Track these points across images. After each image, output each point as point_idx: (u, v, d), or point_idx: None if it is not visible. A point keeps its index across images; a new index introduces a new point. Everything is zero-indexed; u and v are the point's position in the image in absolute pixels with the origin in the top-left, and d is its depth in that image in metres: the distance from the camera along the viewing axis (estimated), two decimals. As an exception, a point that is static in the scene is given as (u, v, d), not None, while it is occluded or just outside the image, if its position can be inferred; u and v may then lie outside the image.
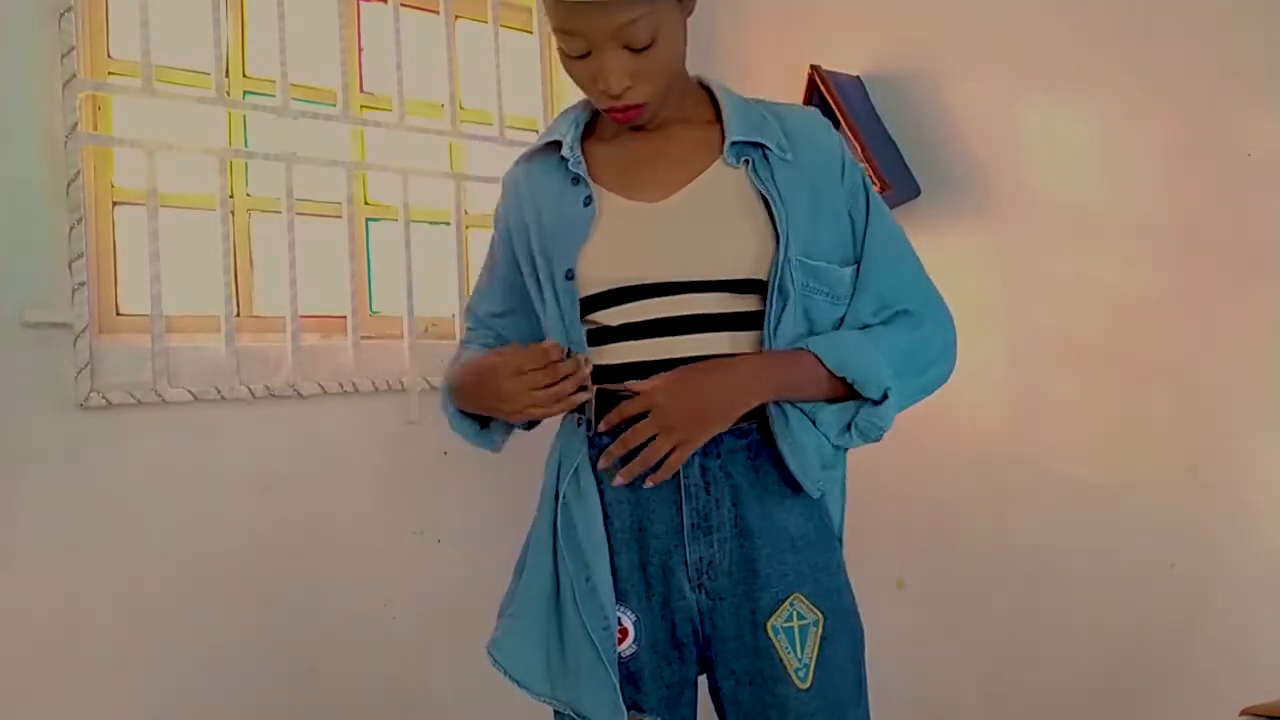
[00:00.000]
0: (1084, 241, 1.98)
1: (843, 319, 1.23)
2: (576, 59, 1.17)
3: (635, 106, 1.19)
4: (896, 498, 2.22)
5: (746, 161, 1.22)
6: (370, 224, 2.18)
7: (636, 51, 1.15)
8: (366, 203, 2.17)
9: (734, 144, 1.22)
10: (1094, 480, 1.97)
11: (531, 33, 2.35)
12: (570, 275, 1.22)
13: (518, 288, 1.35)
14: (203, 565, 1.83)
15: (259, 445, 1.90)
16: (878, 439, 1.20)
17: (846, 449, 1.23)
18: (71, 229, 1.70)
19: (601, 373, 1.23)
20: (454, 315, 2.19)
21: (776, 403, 1.18)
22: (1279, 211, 1.76)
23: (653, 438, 1.15)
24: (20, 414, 1.67)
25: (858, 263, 1.24)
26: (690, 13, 1.21)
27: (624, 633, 1.21)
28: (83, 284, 1.71)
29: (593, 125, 1.32)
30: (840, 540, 1.27)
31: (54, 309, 1.69)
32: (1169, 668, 1.87)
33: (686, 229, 1.20)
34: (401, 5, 2.13)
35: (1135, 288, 1.92)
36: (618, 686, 1.19)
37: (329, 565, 1.99)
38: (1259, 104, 1.77)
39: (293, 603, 1.94)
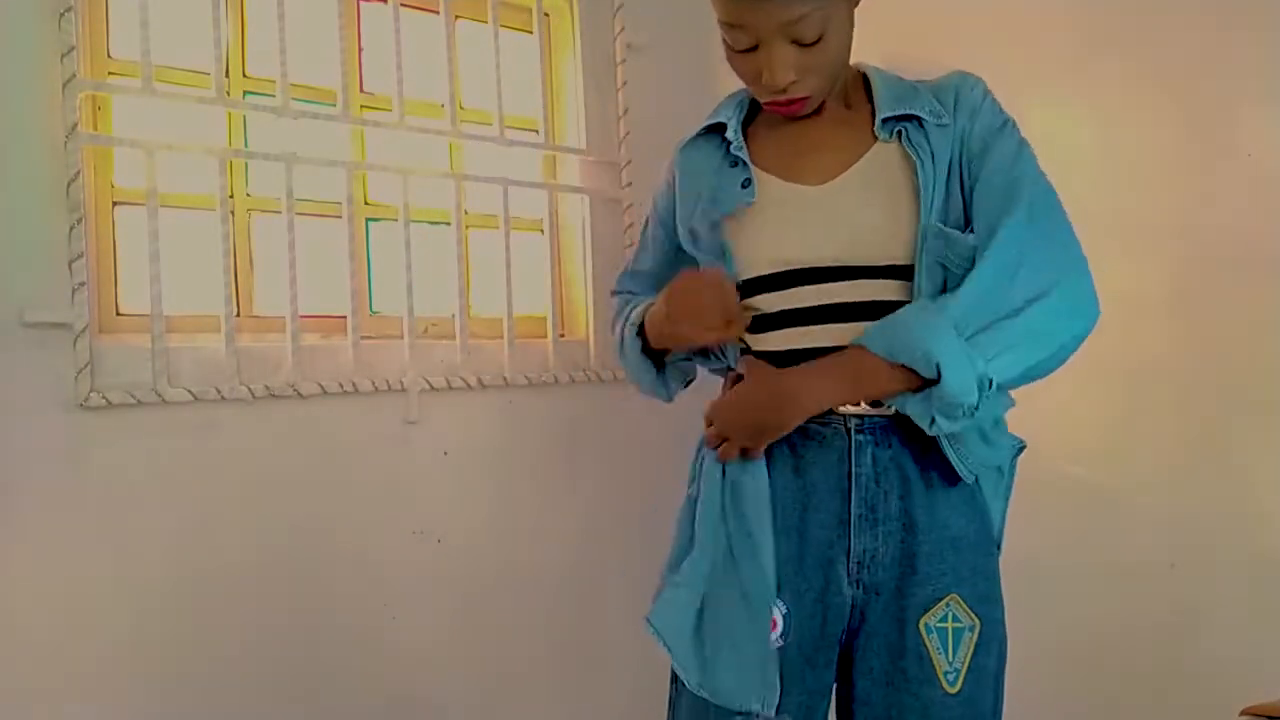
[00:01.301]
0: (1084, 241, 1.98)
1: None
2: (742, 53, 1.17)
3: (798, 100, 1.19)
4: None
5: (899, 134, 1.19)
6: (370, 224, 2.18)
7: (804, 46, 1.14)
8: (366, 203, 2.17)
9: (885, 120, 1.20)
10: (1093, 479, 1.97)
11: (531, 33, 2.35)
12: (724, 253, 1.23)
13: (672, 266, 1.37)
14: (203, 565, 1.83)
15: (259, 445, 1.90)
16: (969, 418, 1.09)
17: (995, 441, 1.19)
18: (71, 229, 1.70)
19: (763, 358, 1.22)
20: (454, 315, 2.19)
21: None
22: (1279, 211, 1.76)
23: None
24: (20, 414, 1.67)
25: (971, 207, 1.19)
26: (857, 3, 1.20)
27: (773, 624, 1.17)
28: (83, 284, 1.71)
29: (756, 109, 1.31)
30: (999, 546, 1.25)
31: (54, 309, 1.69)
32: (1169, 668, 1.87)
33: (846, 212, 1.18)
34: (401, 5, 2.13)
35: (1135, 288, 1.92)
36: (775, 660, 1.14)
37: (329, 565, 1.98)
38: (1259, 104, 1.77)
39: (292, 602, 1.93)
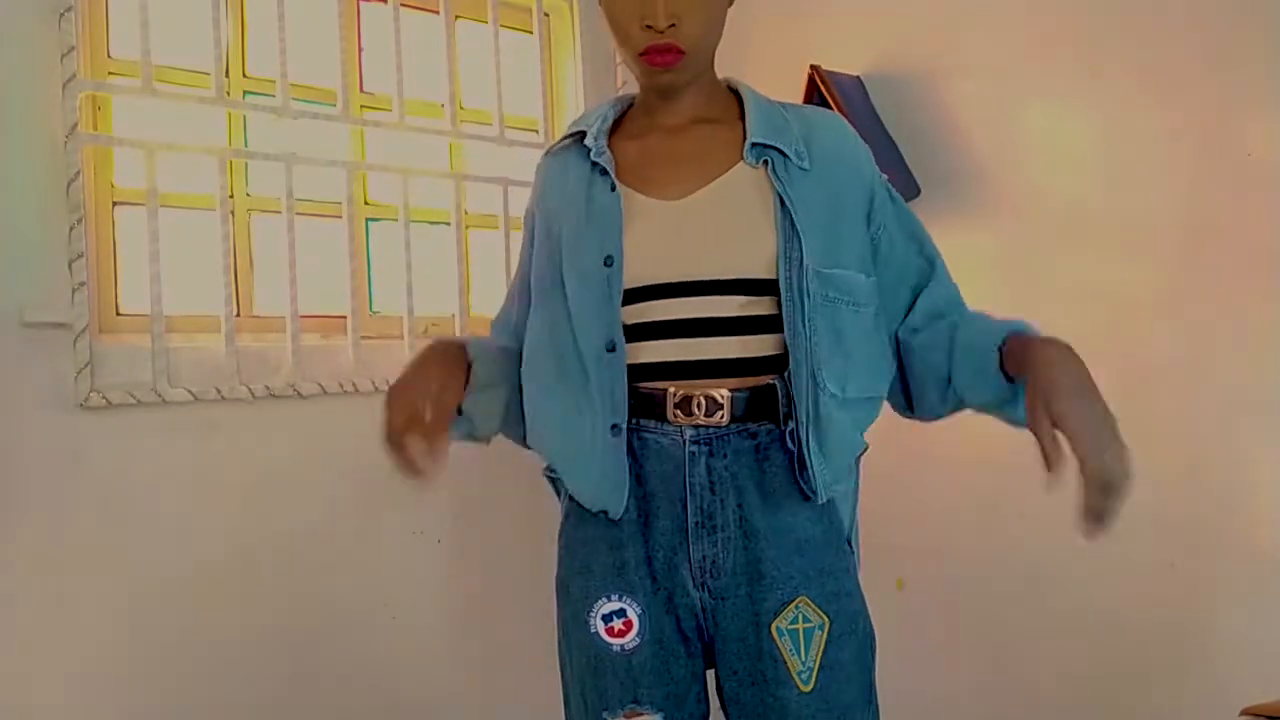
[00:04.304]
0: (1084, 241, 1.98)
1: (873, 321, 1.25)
2: None
3: (676, 51, 1.19)
4: (896, 498, 2.22)
5: (766, 163, 1.21)
6: (370, 224, 2.18)
7: None
8: (366, 203, 2.17)
9: (754, 145, 1.21)
10: (1094, 480, 1.97)
11: (531, 33, 2.35)
12: (609, 262, 1.20)
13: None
14: (203, 565, 1.83)
15: (259, 445, 1.90)
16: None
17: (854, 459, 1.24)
18: (71, 229, 1.70)
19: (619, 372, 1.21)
20: (454, 315, 2.19)
21: (809, 402, 1.18)
22: (1279, 211, 1.76)
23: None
24: (20, 414, 1.67)
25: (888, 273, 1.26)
26: (731, 2, 1.23)
27: (629, 625, 1.20)
28: (83, 284, 1.71)
29: (619, 123, 1.31)
30: (850, 544, 1.27)
31: (54, 309, 1.69)
32: (1169, 667, 1.87)
33: (703, 228, 1.20)
34: (401, 5, 2.13)
35: (1135, 288, 1.92)
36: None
37: (329, 565, 1.99)
38: (1259, 104, 1.77)
39: (293, 602, 1.93)
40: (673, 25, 1.17)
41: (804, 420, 1.17)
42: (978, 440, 2.11)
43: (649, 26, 1.17)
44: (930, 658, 2.19)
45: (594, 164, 1.25)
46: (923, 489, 2.20)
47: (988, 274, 2.10)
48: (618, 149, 1.27)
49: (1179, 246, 1.86)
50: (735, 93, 1.30)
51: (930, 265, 1.30)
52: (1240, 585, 1.79)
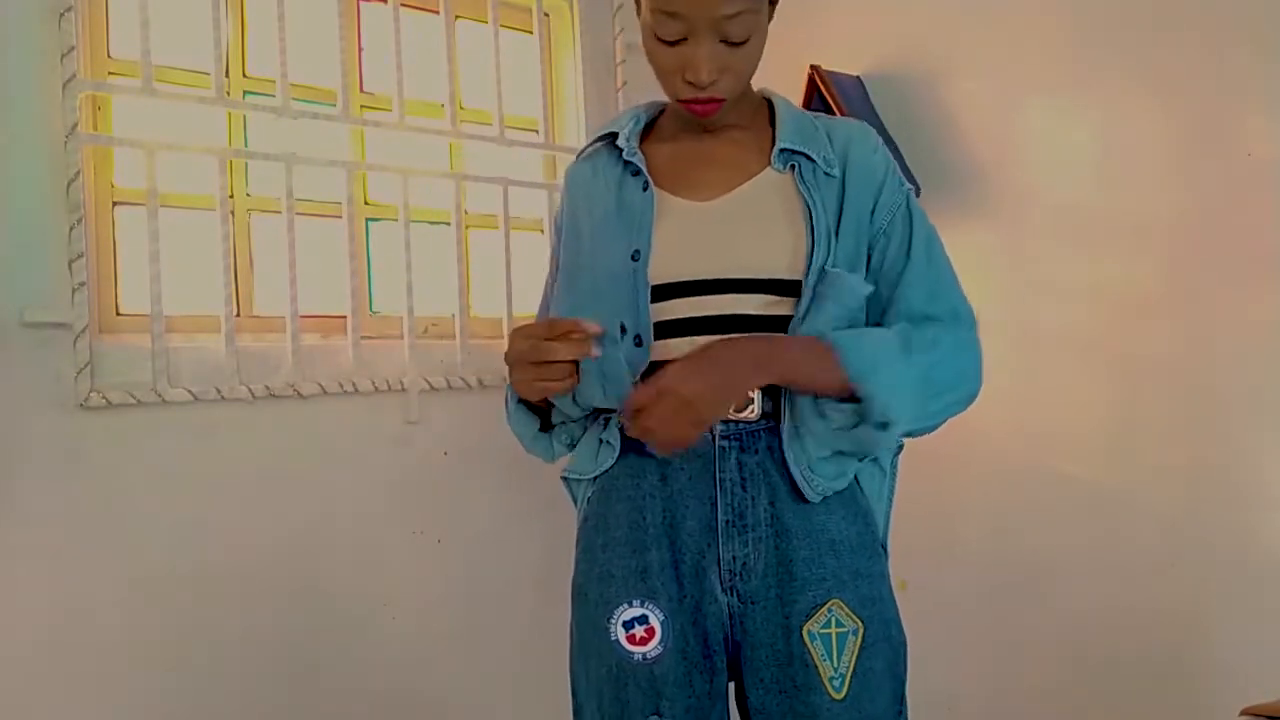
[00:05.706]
0: (1084, 241, 1.99)
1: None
2: (668, 44, 1.16)
3: (715, 101, 1.19)
4: (898, 497, 2.22)
5: (793, 168, 1.22)
6: (370, 224, 2.18)
7: (730, 46, 1.15)
8: (366, 203, 2.17)
9: (781, 151, 1.22)
10: (1094, 479, 1.97)
11: (531, 33, 2.35)
12: (636, 257, 1.20)
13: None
14: (202, 565, 1.83)
15: (259, 445, 1.90)
16: (867, 456, 1.18)
17: (856, 456, 1.20)
18: (71, 229, 1.70)
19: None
20: (454, 315, 2.19)
21: (788, 396, 1.17)
22: (1279, 211, 1.76)
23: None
24: (20, 414, 1.67)
25: (878, 282, 1.22)
26: (770, 19, 1.21)
27: (650, 632, 1.17)
28: (83, 284, 1.71)
29: (650, 127, 1.31)
30: (885, 548, 1.25)
31: (54, 309, 1.69)
32: (1169, 667, 1.87)
33: (733, 229, 1.20)
34: (401, 5, 2.13)
35: (1135, 288, 1.92)
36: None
37: (329, 565, 1.99)
38: (1259, 104, 1.77)
39: (293, 602, 1.93)
40: (715, 81, 1.16)
41: (784, 419, 1.17)
42: (979, 440, 2.12)
43: (691, 81, 1.16)
44: (932, 658, 2.19)
45: (626, 163, 1.25)
46: (924, 488, 2.19)
47: (987, 274, 2.11)
48: (649, 151, 1.28)
49: (1178, 246, 1.86)
50: (768, 101, 1.30)
51: (901, 282, 1.23)
52: (1240, 585, 1.79)
